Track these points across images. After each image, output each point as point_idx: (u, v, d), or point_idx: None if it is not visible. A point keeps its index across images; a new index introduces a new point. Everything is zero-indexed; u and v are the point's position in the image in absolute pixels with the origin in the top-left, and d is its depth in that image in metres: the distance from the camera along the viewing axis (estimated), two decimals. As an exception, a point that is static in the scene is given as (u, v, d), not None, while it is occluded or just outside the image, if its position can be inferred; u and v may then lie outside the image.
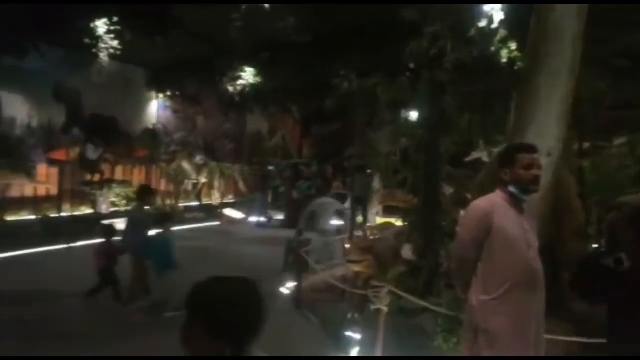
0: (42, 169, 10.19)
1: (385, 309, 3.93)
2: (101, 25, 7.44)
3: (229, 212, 13.07)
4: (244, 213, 13.13)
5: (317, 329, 5.31)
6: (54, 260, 7.94)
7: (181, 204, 12.80)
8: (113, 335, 4.89)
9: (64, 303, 5.77)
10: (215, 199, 13.88)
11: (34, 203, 10.06)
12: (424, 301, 4.09)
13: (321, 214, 8.20)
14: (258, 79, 10.93)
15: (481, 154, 7.58)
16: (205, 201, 13.81)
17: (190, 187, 13.47)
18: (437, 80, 4.39)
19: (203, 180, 13.35)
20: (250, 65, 10.56)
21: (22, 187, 9.83)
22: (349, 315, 4.85)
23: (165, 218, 5.73)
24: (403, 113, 10.57)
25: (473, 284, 2.52)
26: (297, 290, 6.14)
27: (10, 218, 9.45)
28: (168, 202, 12.59)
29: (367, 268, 4.19)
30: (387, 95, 6.35)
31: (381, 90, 6.28)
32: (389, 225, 5.78)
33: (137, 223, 5.50)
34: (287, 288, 6.69)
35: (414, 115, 10.33)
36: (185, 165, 12.78)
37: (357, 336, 4.53)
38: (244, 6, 7.17)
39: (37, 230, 8.98)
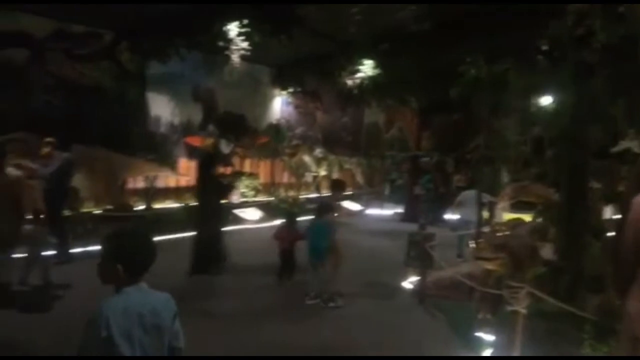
0: (183, 162, 11.28)
1: (523, 311, 3.68)
2: (233, 29, 7.99)
3: (347, 204, 13.29)
4: (362, 205, 13.26)
5: (442, 326, 5.17)
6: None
7: (302, 196, 13.29)
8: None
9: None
10: (334, 191, 14.17)
11: (176, 193, 11.21)
12: (567, 305, 3.75)
13: (466, 204, 8.02)
14: (377, 71, 10.86)
15: (631, 144, 6.73)
16: (325, 193, 14.19)
17: (310, 180, 13.94)
18: (584, 63, 3.95)
19: (322, 172, 13.71)
20: (369, 58, 10.54)
21: (166, 179, 10.97)
22: (480, 315, 4.62)
23: (327, 208, 6.08)
24: (534, 99, 9.74)
25: (633, 290, 2.25)
26: (421, 286, 6.02)
27: (157, 206, 10.62)
28: (290, 193, 13.15)
29: (501, 267, 3.94)
30: (519, 81, 5.90)
31: (513, 76, 5.85)
32: (519, 221, 5.35)
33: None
34: (410, 282, 6.61)
35: (545, 101, 9.47)
36: (306, 158, 13.23)
37: (490, 337, 4.31)
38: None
39: (180, 217, 9.95)
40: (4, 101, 7.85)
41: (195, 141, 11.49)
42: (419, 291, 6.02)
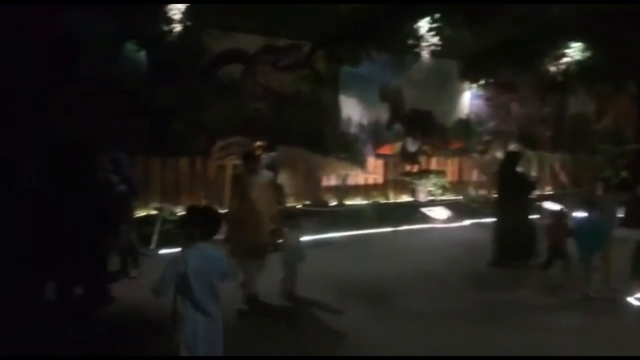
0: (370, 161, 11.62)
1: None
2: (423, 25, 7.89)
3: (549, 205, 11.93)
4: (566, 207, 11.75)
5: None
6: (385, 240, 9.02)
7: (494, 195, 12.42)
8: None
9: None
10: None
11: (364, 190, 11.61)
12: None
13: None
14: (586, 54, 9.48)
15: None
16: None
17: (502, 178, 12.95)
18: None
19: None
20: (578, 40, 9.25)
21: (355, 177, 11.45)
22: None
23: (592, 203, 6.59)
24: None
25: None
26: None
27: (347, 202, 11.16)
28: (481, 192, 12.43)
29: None
30: None
31: None
32: None
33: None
34: (637, 298, 5.60)
35: None
36: (499, 155, 12.32)
37: None
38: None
39: (368, 214, 10.29)
40: (224, 109, 9.19)
41: (386, 150, 11.82)
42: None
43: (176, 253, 3.26)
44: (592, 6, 8.13)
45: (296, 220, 5.96)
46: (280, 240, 5.62)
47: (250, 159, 5.56)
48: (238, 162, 9.22)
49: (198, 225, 3.17)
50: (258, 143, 7.86)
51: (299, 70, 10.01)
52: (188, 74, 8.57)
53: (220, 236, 4.35)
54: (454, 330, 4.87)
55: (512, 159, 7.76)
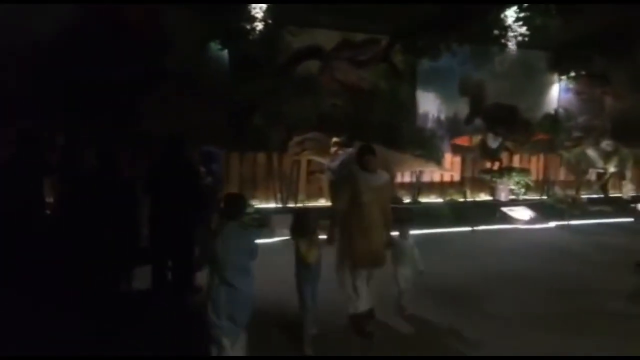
0: (447, 158, 11.25)
1: None
2: (510, 14, 7.46)
3: (645, 207, 10.92)
4: (665, 209, 10.69)
5: None
6: (461, 240, 8.69)
7: (583, 195, 11.57)
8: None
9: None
10: (627, 191, 11.86)
11: (440, 188, 11.27)
12: None
13: None
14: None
15: None
16: (613, 193, 12.03)
17: (594, 177, 12.01)
18: None
19: (611, 169, 11.62)
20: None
21: (431, 174, 11.14)
22: None
23: None
24: None
25: None
26: None
27: (422, 200, 10.89)
28: (568, 192, 11.61)
29: None
30: None
31: None
32: None
33: None
34: None
35: None
36: (590, 152, 11.44)
37: None
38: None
39: (444, 212, 9.97)
40: (302, 105, 9.30)
41: (464, 141, 11.37)
42: None
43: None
44: None
45: (411, 225, 5.32)
46: (394, 249, 5.01)
47: (365, 155, 4.70)
48: (313, 157, 9.36)
49: (225, 209, 3.80)
50: (335, 139, 7.87)
51: (376, 65, 9.89)
52: (268, 70, 8.77)
53: (322, 235, 4.47)
54: (537, 336, 4.61)
55: None
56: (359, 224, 4.55)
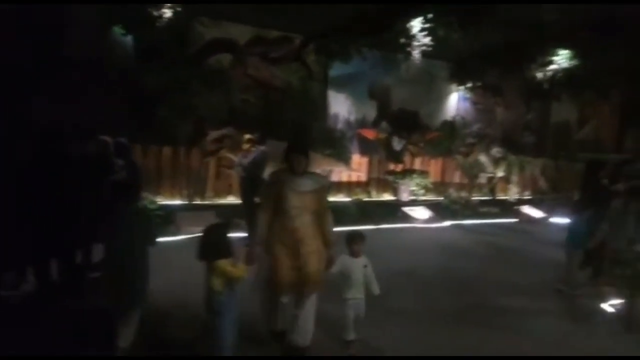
0: (355, 159, 11.62)
1: None
2: (416, 25, 7.89)
3: (527, 209, 12.15)
4: (544, 212, 11.99)
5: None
6: (367, 238, 8.97)
7: (474, 197, 12.58)
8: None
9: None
10: (512, 194, 13.11)
11: (348, 187, 11.62)
12: None
13: None
14: (573, 62, 9.64)
15: None
16: (500, 196, 13.22)
17: (484, 181, 13.12)
18: None
19: (500, 174, 12.77)
20: (566, 48, 9.40)
21: (339, 173, 11.44)
22: None
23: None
24: None
25: None
26: (628, 311, 5.17)
27: (331, 199, 11.11)
28: (462, 194, 12.56)
29: None
30: None
31: None
32: None
33: None
34: (612, 305, 5.72)
35: None
36: (482, 157, 12.47)
37: None
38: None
39: (351, 211, 10.28)
40: (211, 99, 9.05)
41: (369, 134, 11.81)
42: (627, 317, 5.16)
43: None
44: (580, 14, 8.25)
45: (363, 241, 4.26)
46: (342, 270, 4.16)
47: (292, 154, 3.90)
48: (229, 155, 9.14)
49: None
50: (248, 136, 7.72)
51: (289, 64, 9.93)
52: (176, 61, 8.40)
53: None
54: (437, 330, 4.91)
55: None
56: (285, 240, 3.83)
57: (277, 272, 3.85)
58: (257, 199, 7.81)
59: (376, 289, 4.21)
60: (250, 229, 7.59)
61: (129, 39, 8.32)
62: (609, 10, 7.46)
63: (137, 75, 8.05)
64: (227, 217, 7.63)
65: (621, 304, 5.51)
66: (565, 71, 9.71)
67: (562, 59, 9.56)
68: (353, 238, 4.24)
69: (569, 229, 6.31)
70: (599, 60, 8.81)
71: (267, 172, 8.76)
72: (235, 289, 3.59)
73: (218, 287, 3.49)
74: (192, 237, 4.84)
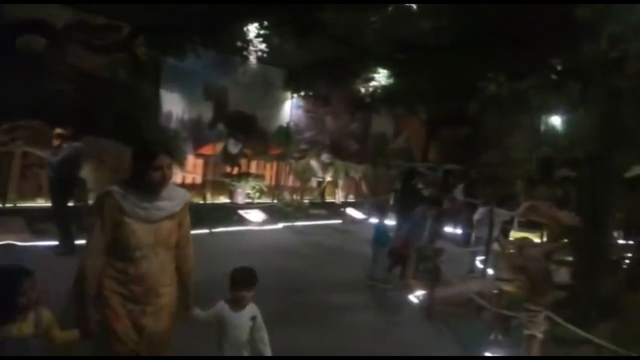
0: (190, 160, 11.24)
1: (540, 335, 3.65)
2: (252, 30, 7.98)
3: (351, 211, 13.25)
4: (364, 214, 13.21)
5: (450, 344, 5.12)
6: (200, 242, 8.70)
7: (306, 200, 13.25)
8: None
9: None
10: (338, 197, 14.15)
11: (181, 189, 11.15)
12: (583, 331, 3.71)
13: (483, 221, 8.01)
14: (391, 81, 10.86)
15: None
16: (329, 199, 14.16)
17: (315, 184, 13.90)
18: (615, 87, 3.92)
19: (328, 178, 13.67)
20: (384, 67, 10.54)
21: (173, 175, 10.92)
22: (492, 336, 4.58)
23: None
24: (546, 118, 9.70)
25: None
26: (429, 301, 5.99)
27: (162, 202, 10.54)
28: (295, 197, 13.11)
29: (518, 289, 3.90)
30: (539, 100, 5.89)
31: (533, 94, 5.84)
32: (526, 240, 5.33)
33: None
34: (416, 297, 6.57)
35: (555, 121, 9.40)
36: (313, 163, 13.19)
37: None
38: (389, 7, 7.14)
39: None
40: (16, 86, 7.80)
41: (208, 150, 11.55)
42: (427, 306, 5.98)
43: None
44: (396, 38, 9.30)
45: (254, 285, 3.13)
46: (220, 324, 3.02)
47: (143, 162, 2.60)
48: (28, 149, 7.93)
49: None
50: (58, 131, 6.80)
51: (116, 54, 9.10)
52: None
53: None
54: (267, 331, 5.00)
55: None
56: (125, 292, 2.61)
57: (113, 339, 2.59)
58: (69, 202, 7.04)
59: (267, 351, 3.03)
60: (62, 235, 6.77)
61: None
62: (419, 36, 8.55)
63: None
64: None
65: (423, 295, 6.36)
66: (384, 88, 10.88)
67: (381, 76, 10.70)
68: (240, 281, 3.02)
69: (376, 228, 7.14)
70: (409, 80, 10.06)
71: (87, 172, 7.93)
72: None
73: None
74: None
